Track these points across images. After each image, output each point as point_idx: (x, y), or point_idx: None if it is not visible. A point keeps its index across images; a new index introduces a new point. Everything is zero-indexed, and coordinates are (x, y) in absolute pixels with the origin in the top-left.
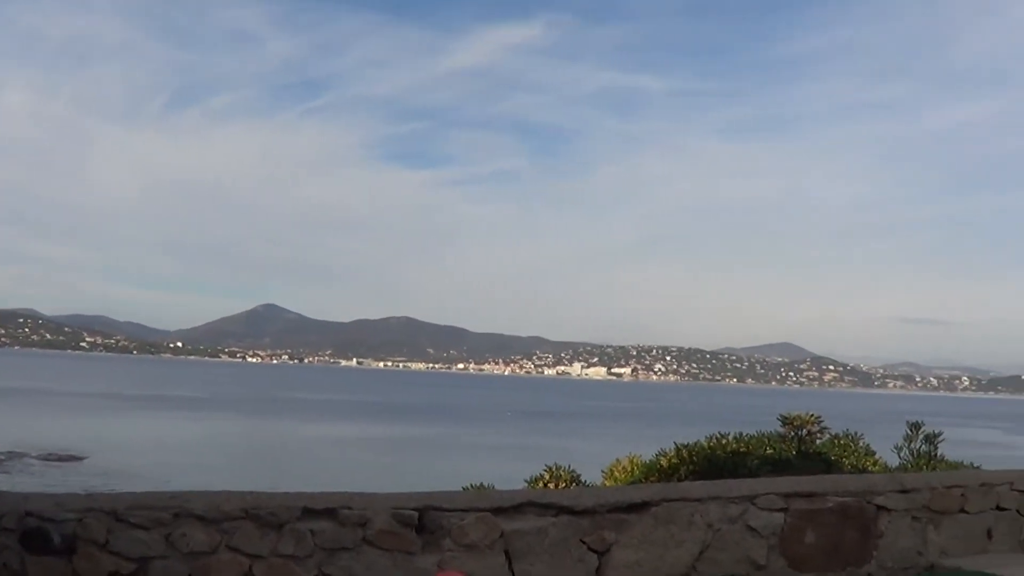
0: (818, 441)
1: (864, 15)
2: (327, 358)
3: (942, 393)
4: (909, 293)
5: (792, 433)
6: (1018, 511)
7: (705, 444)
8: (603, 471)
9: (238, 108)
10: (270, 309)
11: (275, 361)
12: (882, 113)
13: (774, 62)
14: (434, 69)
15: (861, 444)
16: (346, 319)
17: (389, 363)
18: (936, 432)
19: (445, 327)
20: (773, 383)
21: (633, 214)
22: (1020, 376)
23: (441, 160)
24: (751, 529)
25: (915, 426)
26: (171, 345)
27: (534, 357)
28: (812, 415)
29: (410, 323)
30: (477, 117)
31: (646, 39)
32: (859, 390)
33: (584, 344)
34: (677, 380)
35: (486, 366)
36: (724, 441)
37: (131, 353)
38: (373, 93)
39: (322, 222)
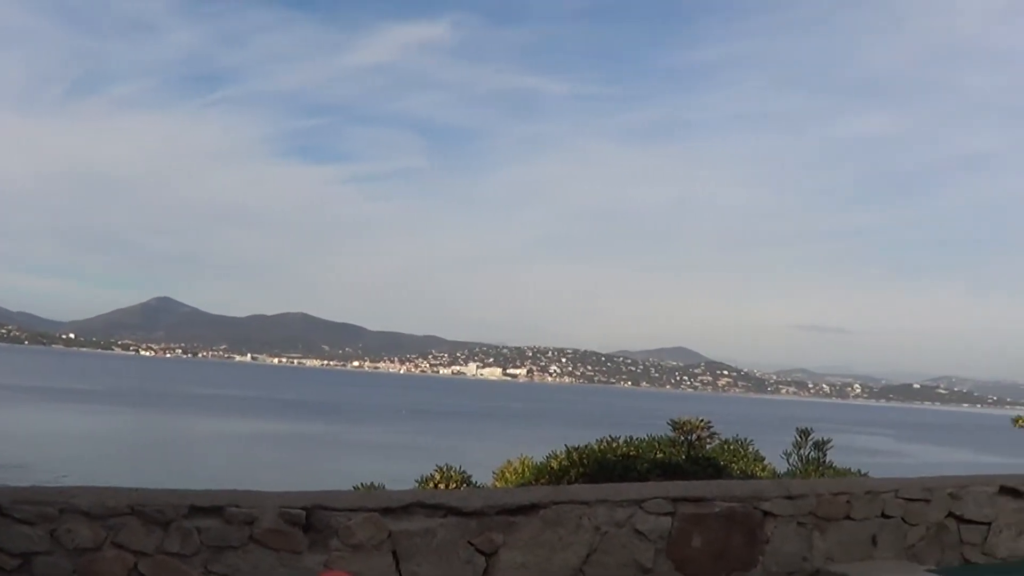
0: (708, 446)
1: (765, 26)
2: (221, 353)
3: (834, 400)
4: (804, 301)
5: (682, 437)
6: (903, 519)
7: (596, 447)
8: (494, 472)
9: (139, 98)
10: (165, 302)
11: (169, 355)
12: (782, 123)
13: (675, 69)
14: (338, 65)
15: (751, 450)
16: (242, 314)
17: (284, 359)
18: (825, 439)
19: (341, 324)
20: (668, 387)
21: (532, 216)
22: (911, 385)
23: (342, 156)
24: (639, 532)
25: (804, 433)
26: (63, 336)
27: (430, 356)
28: (702, 420)
29: (306, 319)
30: (380, 114)
31: (549, 42)
32: (752, 395)
33: (480, 344)
34: (572, 382)
35: (381, 364)
36: (615, 444)
37: (22, 343)
38: (276, 87)
39: (221, 216)
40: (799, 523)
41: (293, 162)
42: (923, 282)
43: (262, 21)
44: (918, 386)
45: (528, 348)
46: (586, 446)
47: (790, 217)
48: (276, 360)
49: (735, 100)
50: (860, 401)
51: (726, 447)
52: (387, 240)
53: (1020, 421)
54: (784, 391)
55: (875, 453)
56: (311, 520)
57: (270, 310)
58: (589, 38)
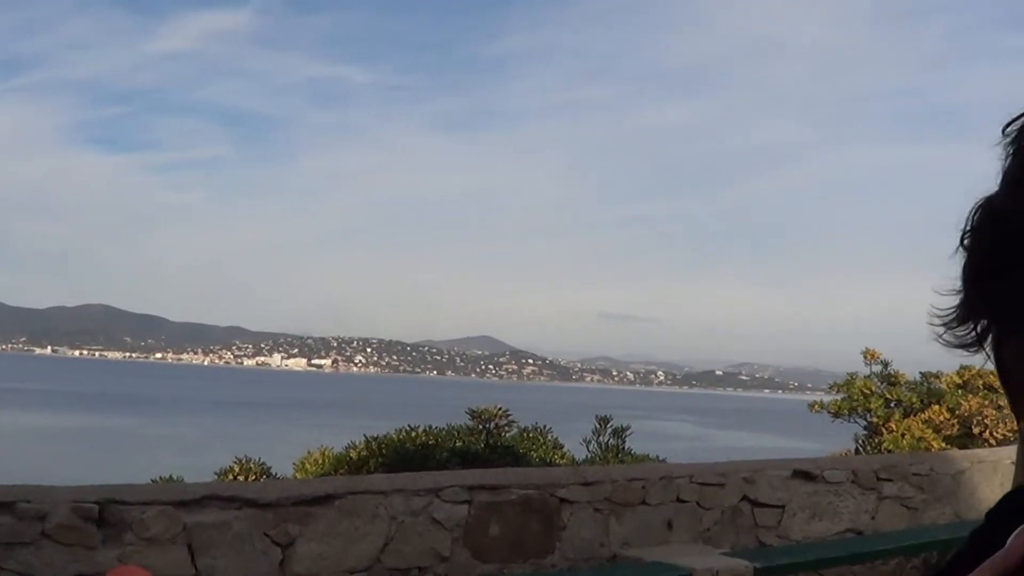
0: (507, 434)
1: (571, 17)
2: (21, 346)
3: (638, 387)
4: (608, 289)
5: (481, 426)
6: (698, 503)
7: (395, 436)
8: (294, 463)
9: None
10: None
11: None
12: (588, 113)
13: (481, 60)
14: (140, 52)
15: (549, 437)
16: (41, 306)
17: (85, 352)
18: (624, 426)
19: (143, 315)
20: (473, 376)
21: (336, 205)
22: (714, 371)
23: (144, 145)
24: (436, 521)
25: (603, 420)
26: None
27: (233, 347)
28: (500, 408)
29: (107, 311)
30: (183, 103)
31: (354, 31)
32: (557, 383)
33: (284, 335)
34: (377, 372)
35: (185, 356)
36: (414, 434)
37: None
38: (76, 75)
39: (20, 206)
40: (595, 509)
41: (95, 151)
42: (725, 271)
43: (63, 7)
44: (720, 373)
45: (333, 338)
46: (385, 436)
47: (595, 206)
48: (77, 352)
49: (542, 90)
50: (664, 388)
51: (525, 435)
52: (191, 230)
53: (816, 406)
54: (589, 379)
55: (677, 439)
56: (104, 514)
57: (71, 301)
58: (393, 28)
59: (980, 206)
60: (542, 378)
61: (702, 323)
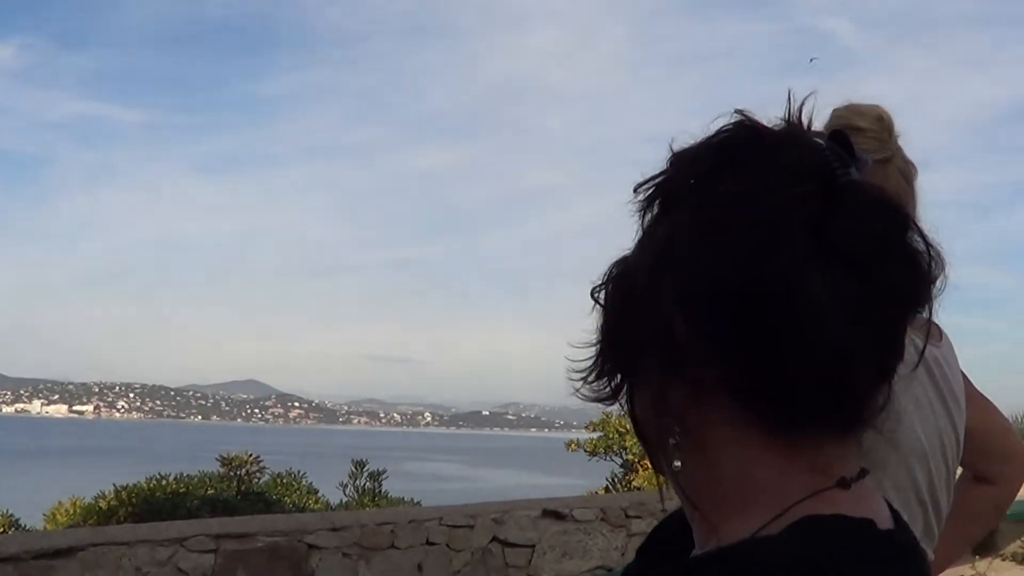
0: (259, 481)
1: (335, 60)
2: None
3: (406, 429)
4: (373, 333)
5: (232, 473)
6: (448, 545)
7: (145, 485)
8: (45, 514)
9: None
10: None
11: None
12: (351, 156)
13: (247, 101)
14: None
15: (304, 482)
16: None
17: None
18: (381, 470)
19: None
20: (239, 420)
21: (96, 247)
22: (480, 412)
23: None
24: (181, 571)
25: (360, 464)
26: None
27: None
28: (251, 455)
29: None
30: None
31: (119, 69)
32: (324, 426)
33: (44, 381)
34: (141, 418)
35: None
36: (164, 482)
37: None
38: None
39: None
40: (344, 554)
41: None
42: (493, 312)
43: None
44: (487, 413)
45: (95, 384)
46: (135, 485)
47: (361, 249)
48: None
49: (307, 133)
50: (431, 429)
51: (279, 481)
52: None
53: (572, 445)
54: (356, 421)
55: (439, 479)
56: None
57: None
58: (159, 67)
59: (615, 263)
60: (309, 421)
61: (470, 364)
